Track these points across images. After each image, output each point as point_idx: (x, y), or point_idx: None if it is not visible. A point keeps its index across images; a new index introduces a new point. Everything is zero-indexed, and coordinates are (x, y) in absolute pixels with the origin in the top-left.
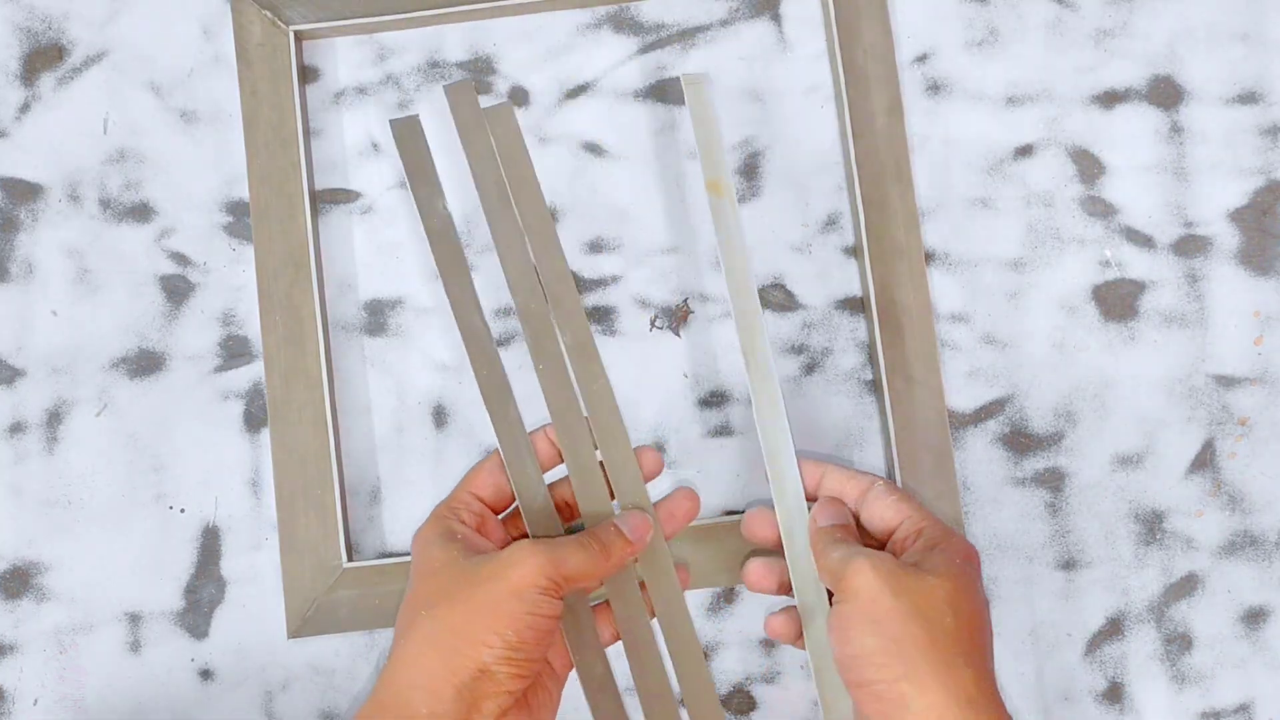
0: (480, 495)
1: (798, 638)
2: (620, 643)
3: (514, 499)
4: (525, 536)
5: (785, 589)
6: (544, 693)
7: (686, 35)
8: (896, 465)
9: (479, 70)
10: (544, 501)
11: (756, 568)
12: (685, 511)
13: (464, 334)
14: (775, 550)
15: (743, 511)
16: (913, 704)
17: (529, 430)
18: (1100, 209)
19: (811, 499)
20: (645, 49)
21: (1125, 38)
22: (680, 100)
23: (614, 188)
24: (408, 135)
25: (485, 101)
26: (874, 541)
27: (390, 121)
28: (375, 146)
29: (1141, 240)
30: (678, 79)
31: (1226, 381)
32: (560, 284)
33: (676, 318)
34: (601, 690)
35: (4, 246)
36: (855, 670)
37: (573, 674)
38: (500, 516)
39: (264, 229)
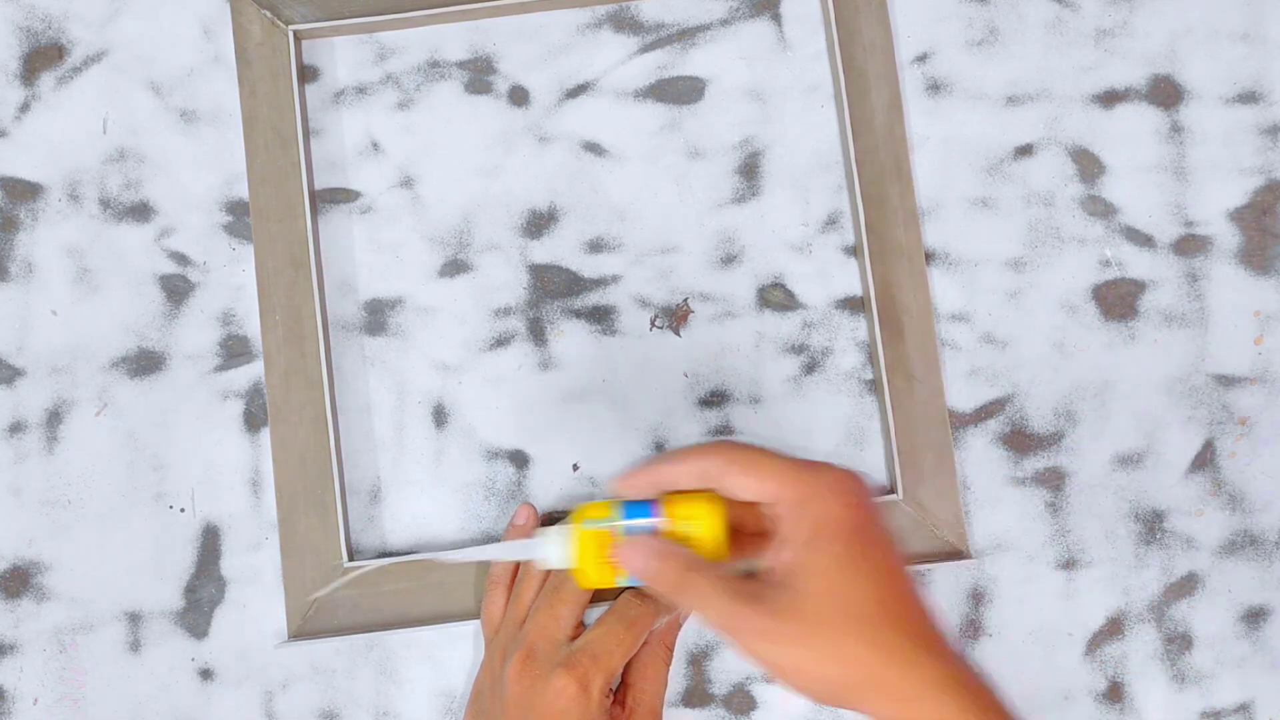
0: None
1: None
2: None
3: None
4: None
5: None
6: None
7: (686, 35)
8: (897, 465)
9: (479, 70)
10: None
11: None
12: None
13: None
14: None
15: None
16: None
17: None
18: (1100, 209)
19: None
20: (645, 49)
21: (1125, 37)
22: (679, 100)
23: (614, 188)
24: None
25: (485, 101)
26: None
27: None
28: (375, 146)
29: (1141, 240)
30: (677, 79)
31: (1226, 381)
32: None
33: (676, 318)
34: None
35: (4, 246)
36: None
37: None
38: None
39: (264, 229)
